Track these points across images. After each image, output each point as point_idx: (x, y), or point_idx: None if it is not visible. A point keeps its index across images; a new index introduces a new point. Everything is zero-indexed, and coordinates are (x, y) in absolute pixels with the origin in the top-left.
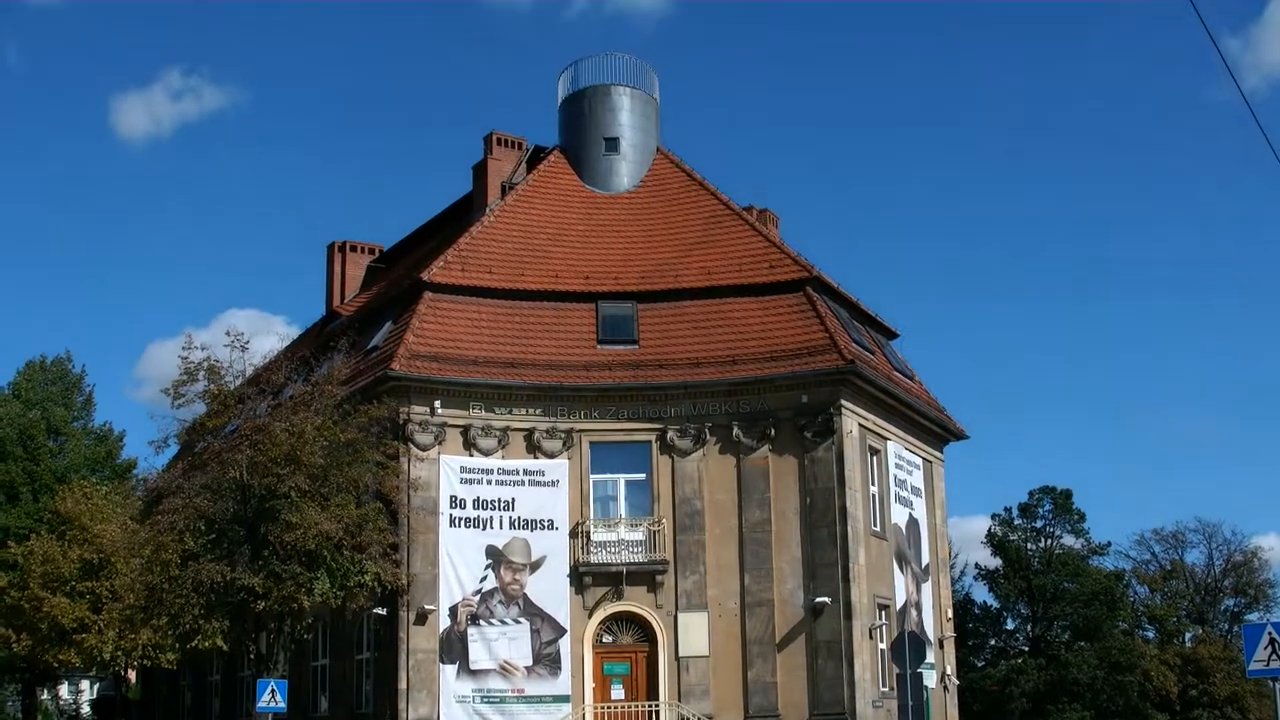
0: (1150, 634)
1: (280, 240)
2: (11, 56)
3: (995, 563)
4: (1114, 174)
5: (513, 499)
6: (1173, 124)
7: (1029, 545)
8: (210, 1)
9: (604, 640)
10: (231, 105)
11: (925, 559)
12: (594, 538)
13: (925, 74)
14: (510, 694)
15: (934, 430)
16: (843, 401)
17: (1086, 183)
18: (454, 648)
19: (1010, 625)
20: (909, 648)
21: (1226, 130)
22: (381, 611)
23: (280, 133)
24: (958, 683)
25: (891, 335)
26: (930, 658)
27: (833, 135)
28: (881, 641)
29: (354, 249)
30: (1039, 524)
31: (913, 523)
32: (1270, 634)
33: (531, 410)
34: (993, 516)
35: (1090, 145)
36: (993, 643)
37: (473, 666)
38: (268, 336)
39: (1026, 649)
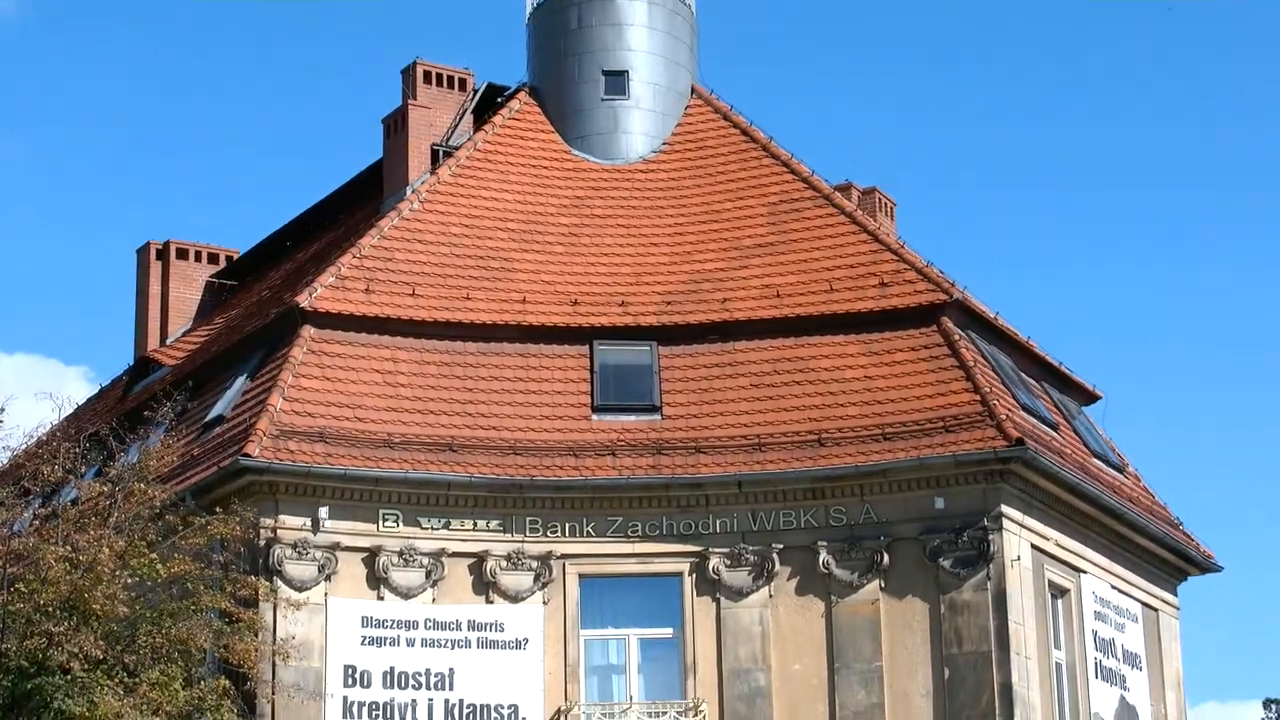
0: None
1: (78, 241)
2: None
3: None
4: None
5: (450, 670)
6: None
7: None
8: None
9: None
10: None
11: None
12: None
13: None
14: None
15: (1162, 557)
16: (1004, 508)
17: None
18: None
19: None
20: None
21: None
22: None
23: (68, 57)
24: None
25: (1090, 397)
26: None
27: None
28: None
29: (183, 255)
30: None
31: (1127, 711)
32: None
33: (483, 522)
34: (1266, 703)
35: None
36: None
37: None
38: (39, 399)
39: None
